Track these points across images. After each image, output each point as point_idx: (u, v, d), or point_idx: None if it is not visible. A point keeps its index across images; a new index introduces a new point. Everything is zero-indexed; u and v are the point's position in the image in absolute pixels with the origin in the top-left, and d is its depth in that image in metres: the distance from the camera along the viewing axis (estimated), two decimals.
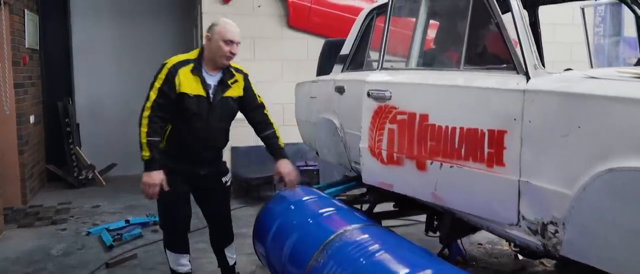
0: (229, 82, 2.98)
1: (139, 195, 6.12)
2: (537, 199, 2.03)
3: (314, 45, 6.09)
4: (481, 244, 4.40)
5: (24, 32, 5.95)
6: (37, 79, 6.58)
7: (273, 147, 3.09)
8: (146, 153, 2.78)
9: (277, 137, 3.10)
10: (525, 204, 2.09)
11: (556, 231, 1.96)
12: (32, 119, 6.19)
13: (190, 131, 2.91)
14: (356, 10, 6.16)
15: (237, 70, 3.05)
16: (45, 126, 6.86)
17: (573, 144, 1.87)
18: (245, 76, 3.09)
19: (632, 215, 1.66)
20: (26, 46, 6.01)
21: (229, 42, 2.86)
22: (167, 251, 3.11)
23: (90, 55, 7.21)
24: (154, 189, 2.79)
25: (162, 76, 2.84)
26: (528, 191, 2.07)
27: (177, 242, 3.09)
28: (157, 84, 2.82)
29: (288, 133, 6.32)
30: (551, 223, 1.98)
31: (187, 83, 2.85)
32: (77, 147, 6.83)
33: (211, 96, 2.91)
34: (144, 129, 2.78)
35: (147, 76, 7.71)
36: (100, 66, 7.27)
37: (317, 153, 4.39)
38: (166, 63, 2.89)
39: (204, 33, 3.01)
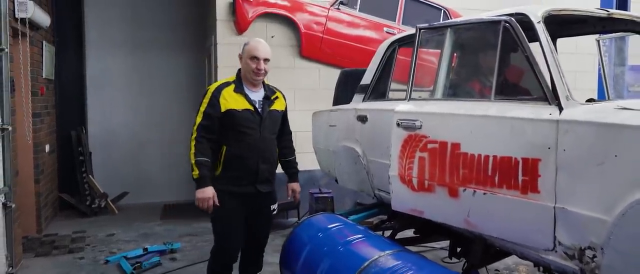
0: (272, 97, 3.25)
1: (153, 222, 6.26)
2: (573, 225, 2.11)
3: (326, 75, 6.23)
4: (498, 271, 4.45)
5: (42, 63, 6.06)
6: (52, 109, 6.67)
7: (291, 172, 3.53)
8: (196, 172, 3.01)
9: (296, 164, 3.57)
10: (561, 229, 2.17)
11: (594, 256, 2.04)
12: (47, 148, 6.26)
13: (247, 145, 3.09)
14: (367, 41, 6.39)
15: (276, 88, 3.36)
16: (58, 154, 6.92)
17: (610, 172, 1.96)
18: (284, 96, 3.39)
19: None
20: (43, 77, 6.12)
21: (255, 59, 3.11)
22: None
23: (103, 86, 7.32)
24: (209, 202, 3.04)
25: (207, 100, 3.08)
26: (564, 217, 2.15)
27: (222, 268, 3.22)
28: (202, 108, 3.07)
29: (300, 160, 6.42)
30: (589, 247, 2.05)
31: (233, 101, 3.07)
32: (90, 176, 6.88)
33: (259, 109, 3.14)
34: (192, 151, 3.03)
35: (159, 106, 7.87)
36: (113, 97, 7.38)
37: (336, 180, 4.46)
38: (209, 88, 3.15)
39: (238, 53, 3.30)
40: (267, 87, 3.26)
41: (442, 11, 6.68)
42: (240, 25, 6.04)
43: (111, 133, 7.40)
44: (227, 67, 5.83)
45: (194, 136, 3.04)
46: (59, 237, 5.67)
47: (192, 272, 4.50)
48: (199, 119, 3.06)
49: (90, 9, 7.24)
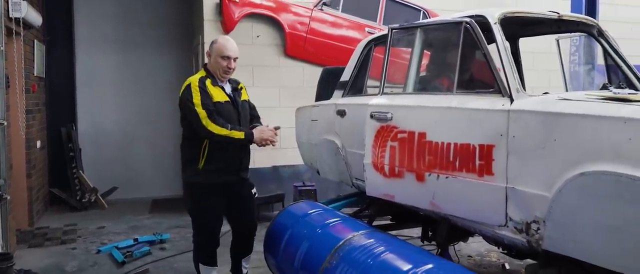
0: (238, 88, 3.42)
1: (142, 216, 6.46)
2: (521, 202, 2.39)
3: (310, 73, 6.45)
4: (471, 257, 4.72)
5: (33, 61, 6.24)
6: (42, 106, 6.84)
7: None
8: (240, 135, 3.16)
9: None
10: (512, 207, 2.45)
11: (538, 229, 2.31)
12: (38, 144, 6.44)
13: None
14: (349, 40, 6.64)
15: (237, 80, 3.48)
16: (49, 151, 7.10)
17: (550, 154, 2.24)
18: (244, 85, 3.52)
19: (601, 211, 2.02)
20: (35, 74, 6.30)
21: (226, 58, 3.22)
22: (200, 265, 3.40)
23: (93, 84, 7.50)
24: (267, 134, 3.27)
25: (196, 91, 3.14)
26: (514, 196, 2.43)
27: (209, 255, 3.39)
28: (196, 100, 3.12)
29: (285, 156, 6.69)
30: (534, 221, 2.33)
31: (215, 94, 3.21)
32: (80, 172, 7.06)
33: (234, 100, 3.31)
34: (216, 128, 3.10)
35: (148, 104, 8.02)
36: (102, 94, 7.56)
37: (317, 172, 4.70)
38: (191, 82, 3.21)
39: (206, 50, 3.40)
40: (231, 80, 3.39)
41: (422, 12, 6.96)
42: (226, 25, 6.26)
43: (101, 130, 7.59)
44: None
45: (204, 117, 3.07)
46: (51, 229, 5.85)
47: (180, 260, 4.71)
48: (200, 109, 3.08)
49: (80, 7, 7.41)
